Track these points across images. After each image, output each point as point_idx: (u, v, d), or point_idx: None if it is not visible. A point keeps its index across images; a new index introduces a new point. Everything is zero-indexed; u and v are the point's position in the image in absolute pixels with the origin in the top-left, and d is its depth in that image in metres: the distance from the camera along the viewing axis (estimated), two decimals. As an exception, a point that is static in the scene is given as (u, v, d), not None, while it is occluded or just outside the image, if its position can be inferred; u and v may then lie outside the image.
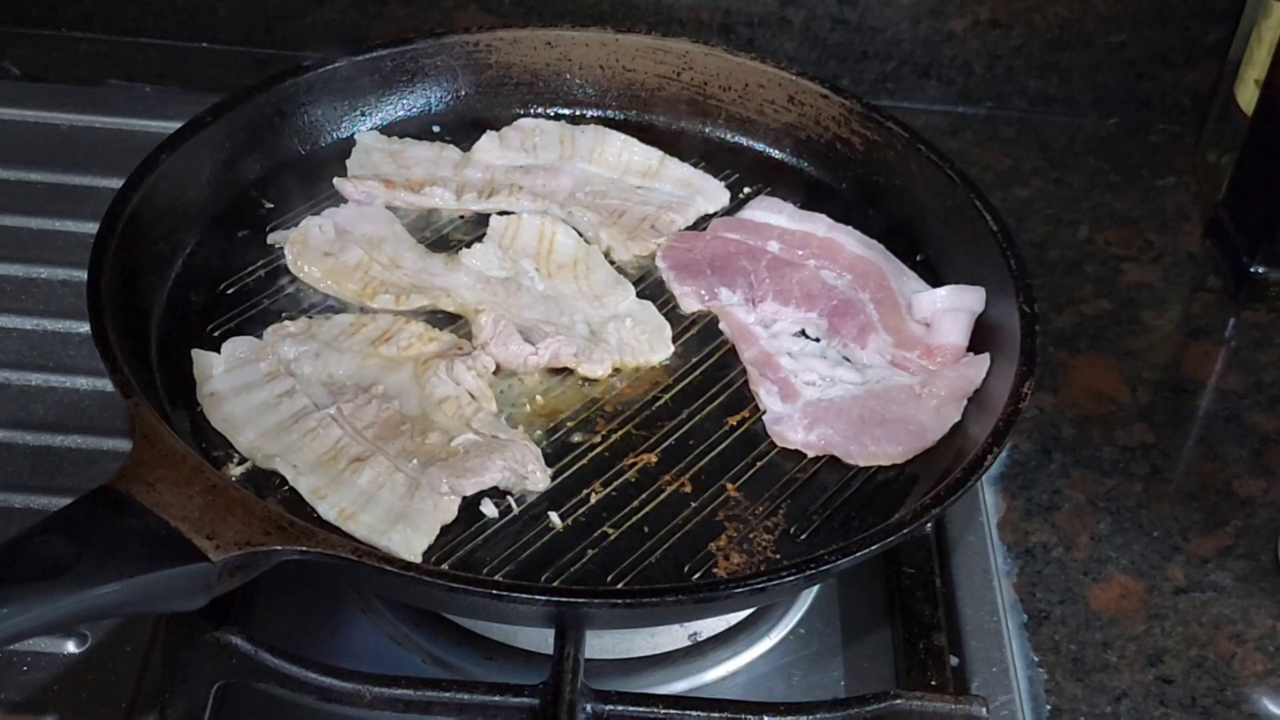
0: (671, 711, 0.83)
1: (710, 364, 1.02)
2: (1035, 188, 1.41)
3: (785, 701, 0.86)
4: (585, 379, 0.99)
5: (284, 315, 1.01)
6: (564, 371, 0.99)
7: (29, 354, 1.11)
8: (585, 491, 0.91)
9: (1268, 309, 1.27)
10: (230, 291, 1.02)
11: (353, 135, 1.16)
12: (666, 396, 0.99)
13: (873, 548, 0.83)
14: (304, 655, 0.83)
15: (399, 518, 0.86)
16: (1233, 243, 1.29)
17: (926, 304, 1.03)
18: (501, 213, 1.10)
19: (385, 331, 0.99)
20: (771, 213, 1.12)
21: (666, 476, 0.93)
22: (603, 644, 0.92)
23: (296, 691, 0.82)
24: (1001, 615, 0.99)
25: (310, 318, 1.00)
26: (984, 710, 0.84)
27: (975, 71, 1.47)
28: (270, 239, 1.06)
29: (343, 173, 1.12)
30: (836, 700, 0.85)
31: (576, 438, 0.95)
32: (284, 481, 0.88)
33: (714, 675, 0.94)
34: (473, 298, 1.03)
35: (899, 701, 0.84)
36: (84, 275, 0.92)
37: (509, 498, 0.90)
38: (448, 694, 0.82)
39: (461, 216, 1.12)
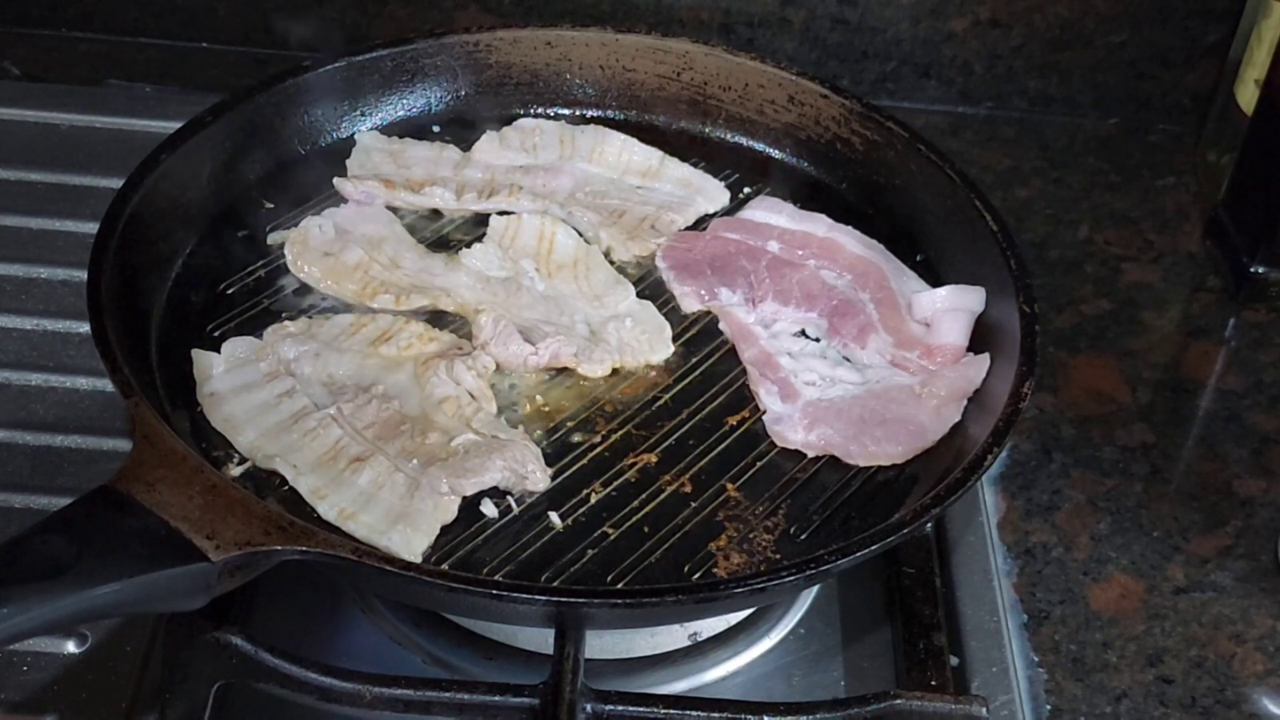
0: (671, 711, 0.83)
1: (710, 364, 1.02)
2: (1035, 188, 1.41)
3: (785, 701, 0.86)
4: (585, 379, 0.99)
5: (284, 315, 1.01)
6: (564, 371, 0.99)
7: (29, 354, 1.11)
8: (585, 491, 0.91)
9: (1268, 309, 1.27)
10: (230, 291, 1.02)
11: (353, 135, 1.16)
12: (666, 396, 0.99)
13: (873, 548, 0.83)
14: (304, 655, 0.83)
15: (399, 518, 0.86)
16: (1233, 243, 1.29)
17: (926, 304, 1.03)
18: (501, 213, 1.10)
19: (385, 331, 0.99)
20: (771, 213, 1.12)
21: (666, 476, 0.93)
22: (603, 644, 0.92)
23: (296, 691, 0.82)
24: (1001, 615, 0.99)
25: (310, 318, 1.00)
26: (984, 710, 0.84)
27: (975, 71, 1.47)
28: (270, 239, 1.06)
29: (343, 173, 1.12)
30: (836, 700, 0.85)
31: (576, 438, 0.95)
32: (284, 481, 0.88)
33: (714, 675, 0.94)
34: (473, 298, 1.03)
35: (899, 701, 0.84)
36: (84, 275, 0.92)
37: (509, 498, 0.90)
38: (448, 694, 0.82)
39: (461, 216, 1.12)
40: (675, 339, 1.03)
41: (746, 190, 1.16)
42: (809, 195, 1.16)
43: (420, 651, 0.93)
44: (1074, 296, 1.28)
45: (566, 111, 1.22)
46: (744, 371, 1.01)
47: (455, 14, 1.45)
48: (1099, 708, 0.95)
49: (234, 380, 0.94)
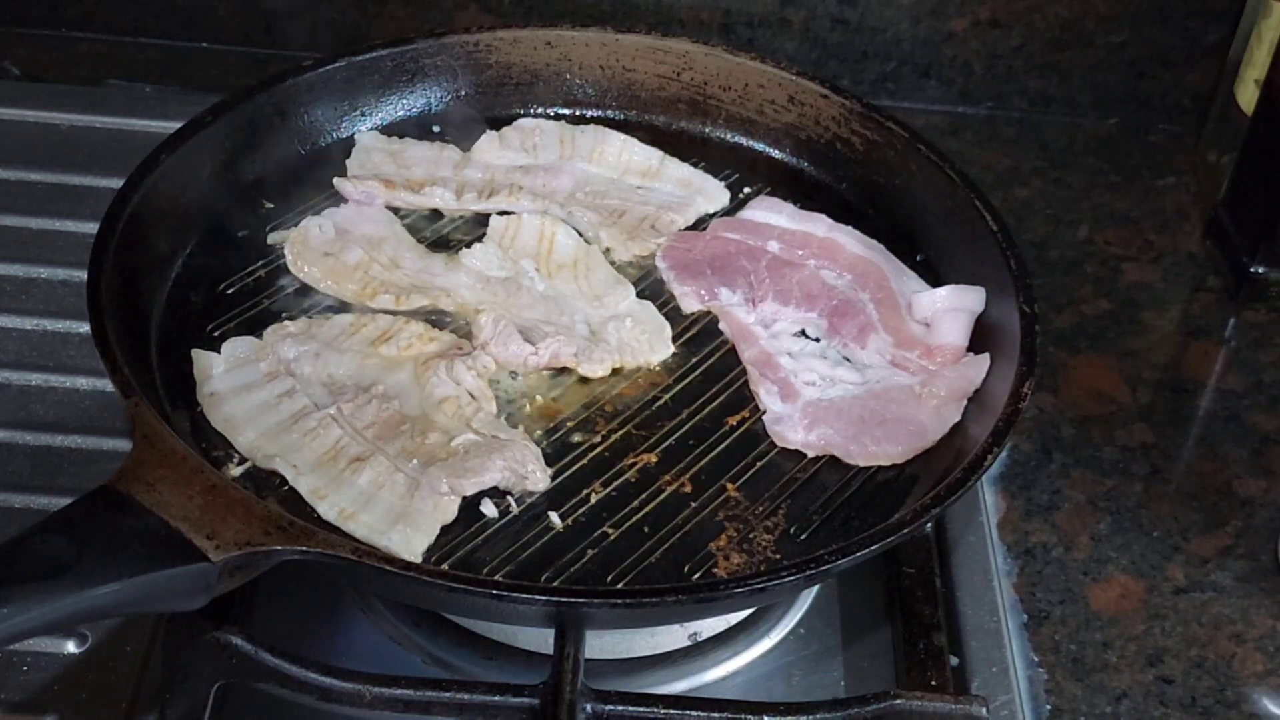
0: (671, 711, 0.83)
1: (710, 364, 1.02)
2: (1035, 188, 1.41)
3: (785, 701, 0.86)
4: (585, 379, 0.99)
5: (284, 315, 1.01)
6: (564, 371, 0.99)
7: (29, 354, 1.11)
8: (585, 491, 0.91)
9: (1268, 309, 1.27)
10: (230, 291, 1.02)
11: (353, 135, 1.16)
12: (666, 396, 0.99)
13: (873, 548, 0.83)
14: (304, 655, 0.83)
15: (399, 518, 0.86)
16: (1233, 243, 1.29)
17: (926, 304, 1.03)
18: (501, 213, 1.10)
19: (385, 331, 0.99)
20: (771, 213, 1.12)
21: (666, 476, 0.93)
22: (603, 644, 0.92)
23: (296, 691, 0.82)
24: (1001, 615, 0.99)
25: (310, 318, 1.00)
26: (984, 710, 0.84)
27: (975, 71, 1.47)
28: (270, 239, 1.06)
29: (343, 173, 1.12)
30: (836, 700, 0.85)
31: (576, 438, 0.95)
32: (284, 481, 0.88)
33: (714, 675, 0.94)
34: (473, 298, 1.03)
35: (899, 701, 0.84)
36: (84, 275, 0.92)
37: (509, 498, 0.90)
38: (448, 694, 0.82)
39: (461, 216, 1.12)
40: (675, 339, 1.03)
41: (746, 190, 1.16)
42: (809, 195, 1.16)
43: (420, 651, 0.93)
44: (1074, 296, 1.28)
45: (566, 111, 1.22)
46: (744, 371, 1.01)
47: (455, 14, 1.45)
48: (1099, 708, 0.95)
49: (234, 380, 0.94)
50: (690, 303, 1.06)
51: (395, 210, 1.10)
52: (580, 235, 1.10)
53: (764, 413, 0.97)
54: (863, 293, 1.05)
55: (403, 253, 1.06)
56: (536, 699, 0.81)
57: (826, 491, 0.93)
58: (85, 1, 1.46)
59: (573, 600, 0.81)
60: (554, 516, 0.89)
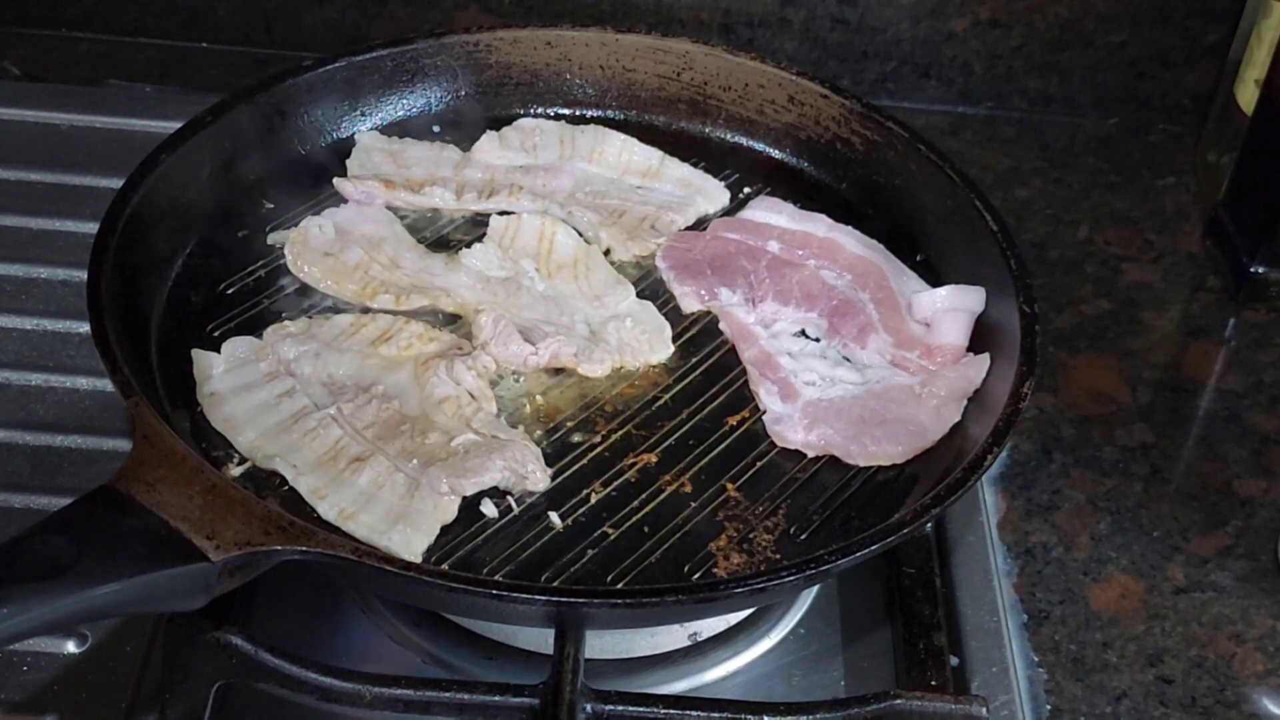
0: (671, 711, 0.83)
1: (710, 364, 1.02)
2: (1035, 188, 1.41)
3: (785, 701, 0.86)
4: (585, 379, 0.99)
5: (284, 315, 1.01)
6: (564, 371, 0.99)
7: (29, 354, 1.11)
8: (585, 491, 0.91)
9: (1268, 309, 1.27)
10: (230, 291, 1.02)
11: (353, 135, 1.16)
12: (666, 396, 0.99)
13: (873, 548, 0.83)
14: (304, 655, 0.83)
15: (399, 518, 0.86)
16: (1233, 243, 1.29)
17: (926, 304, 1.03)
18: (501, 213, 1.10)
19: (385, 331, 0.99)
20: (771, 213, 1.12)
21: (666, 476, 0.93)
22: (603, 644, 0.92)
23: (296, 691, 0.82)
24: (1001, 615, 0.99)
25: (310, 318, 1.00)
26: (984, 710, 0.84)
27: (975, 71, 1.47)
28: (270, 239, 1.06)
29: (343, 173, 1.12)
30: (836, 700, 0.85)
31: (576, 438, 0.95)
32: (284, 481, 0.88)
33: (714, 675, 0.94)
34: (473, 298, 1.03)
35: (899, 701, 0.84)
36: (84, 275, 0.92)
37: (509, 498, 0.90)
38: (448, 694, 0.82)
39: (461, 216, 1.12)
40: (675, 339, 1.03)
41: (746, 190, 1.16)
42: (809, 195, 1.16)
43: (420, 651, 0.93)
44: (1074, 296, 1.28)
45: (566, 111, 1.22)
46: (744, 371, 1.01)
47: (455, 14, 1.45)
48: (1099, 708, 0.95)
49: (234, 380, 0.94)
50: (690, 303, 1.06)
51: (395, 210, 1.10)
52: (580, 235, 1.10)
53: (764, 413, 0.97)
54: (863, 293, 1.05)
55: (403, 253, 1.06)
56: (536, 699, 0.81)
57: (826, 491, 0.93)
58: (85, 1, 1.46)
59: (573, 600, 0.81)
60: (554, 516, 0.89)
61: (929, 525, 0.93)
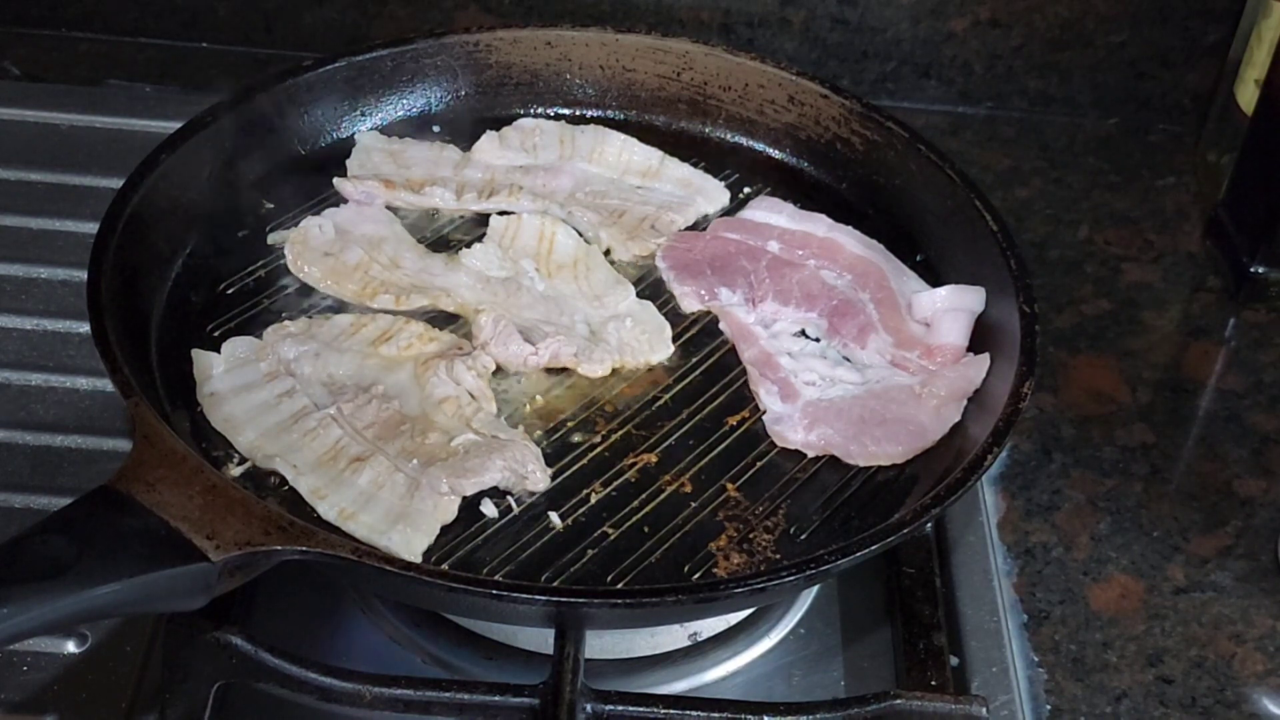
0: (671, 711, 0.83)
1: (710, 364, 1.02)
2: (1035, 188, 1.41)
3: (785, 701, 0.86)
4: (585, 379, 0.99)
5: (284, 315, 1.01)
6: (564, 371, 0.99)
7: (29, 354, 1.11)
8: (585, 491, 0.91)
9: (1268, 309, 1.27)
10: (230, 291, 1.02)
11: (353, 135, 1.16)
12: (666, 396, 0.99)
13: (873, 548, 0.83)
14: (304, 655, 0.83)
15: (399, 518, 0.86)
16: (1233, 243, 1.29)
17: (926, 304, 1.03)
18: (501, 213, 1.10)
19: (385, 331, 0.99)
20: (771, 213, 1.12)
21: (666, 476, 0.93)
22: (603, 644, 0.92)
23: (296, 691, 0.82)
24: (1001, 615, 0.99)
25: (310, 318, 1.00)
26: (984, 710, 0.84)
27: (975, 71, 1.47)
28: (270, 239, 1.06)
29: (343, 173, 1.12)
30: (836, 700, 0.85)
31: (576, 438, 0.95)
32: (284, 481, 0.88)
33: (714, 675, 0.94)
34: (473, 298, 1.03)
35: (899, 701, 0.84)
36: (84, 275, 0.92)
37: (509, 498, 0.90)
38: (448, 694, 0.82)
39: (461, 216, 1.12)
40: (675, 339, 1.03)
41: (746, 190, 1.16)
42: (809, 195, 1.16)
43: (420, 651, 0.93)
44: (1074, 296, 1.28)
45: (566, 111, 1.22)
46: (744, 371, 1.01)
47: (455, 14, 1.45)
48: (1099, 708, 0.95)
49: (234, 380, 0.94)
50: (690, 303, 1.06)
51: (395, 210, 1.10)
52: (580, 235, 1.10)
53: (764, 413, 0.97)
54: (863, 293, 1.05)
55: (403, 253, 1.06)
56: (536, 699, 0.81)
57: (826, 491, 0.93)
58: (85, 1, 1.46)
59: (573, 600, 0.81)
60: (554, 516, 0.89)
61: (929, 525, 0.93)
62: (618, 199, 1.14)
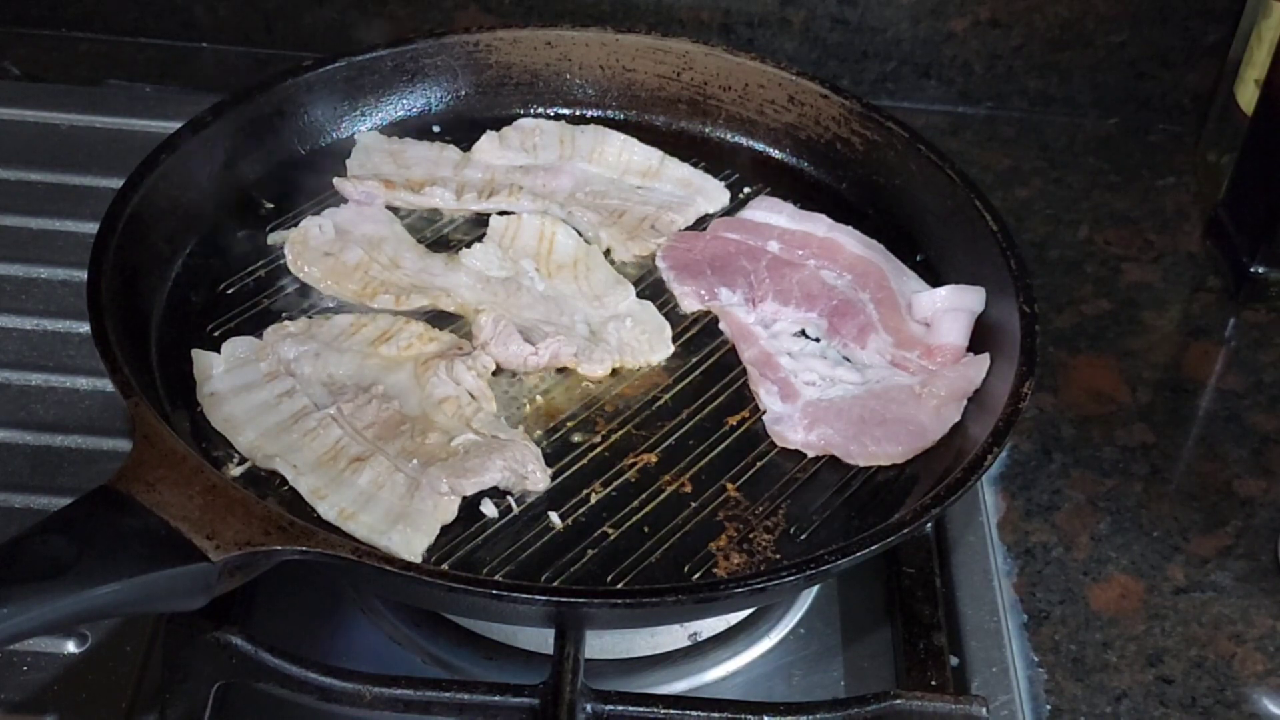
0: (671, 711, 0.83)
1: (710, 364, 1.02)
2: (1035, 188, 1.41)
3: (785, 701, 0.86)
4: (585, 379, 0.99)
5: (284, 315, 1.01)
6: (564, 371, 0.99)
7: (29, 354, 1.11)
8: (585, 491, 0.91)
9: (1268, 309, 1.28)
10: (230, 291, 1.02)
11: (353, 135, 1.16)
12: (666, 396, 0.99)
13: (873, 548, 0.83)
14: (304, 655, 0.83)
15: (399, 518, 0.86)
16: (1233, 243, 1.29)
17: (926, 304, 1.03)
18: (501, 213, 1.10)
19: (385, 331, 0.99)
20: (771, 213, 1.12)
21: (666, 476, 0.93)
22: (603, 644, 0.92)
23: (296, 691, 0.82)
24: (1001, 615, 0.99)
25: (310, 318, 1.00)
26: (984, 710, 0.84)
27: (975, 71, 1.47)
28: (270, 239, 1.06)
29: (343, 173, 1.12)
30: (836, 700, 0.85)
31: (576, 438, 0.95)
32: (284, 481, 0.88)
33: (714, 675, 0.94)
34: (473, 298, 1.03)
35: (899, 701, 0.84)
36: (84, 275, 0.92)
37: (509, 498, 0.90)
38: (448, 694, 0.82)
39: (461, 216, 1.12)
40: (675, 339, 1.03)
41: (746, 190, 1.16)
42: (809, 195, 1.16)
43: (420, 651, 0.93)
44: (1074, 296, 1.28)
45: (566, 111, 1.22)
46: (744, 371, 1.01)
47: (455, 14, 1.45)
48: (1099, 708, 0.95)
49: (234, 380, 0.94)
50: (690, 303, 1.06)
51: (395, 210, 1.10)
52: (580, 235, 1.10)
53: (764, 413, 0.97)
54: (863, 293, 1.05)
55: (403, 253, 1.06)
56: (536, 699, 0.81)
57: (826, 491, 0.93)
58: (85, 1, 1.46)
59: (573, 600, 0.81)
60: (554, 516, 0.89)
61: (929, 525, 0.93)
62: (618, 199, 1.14)
